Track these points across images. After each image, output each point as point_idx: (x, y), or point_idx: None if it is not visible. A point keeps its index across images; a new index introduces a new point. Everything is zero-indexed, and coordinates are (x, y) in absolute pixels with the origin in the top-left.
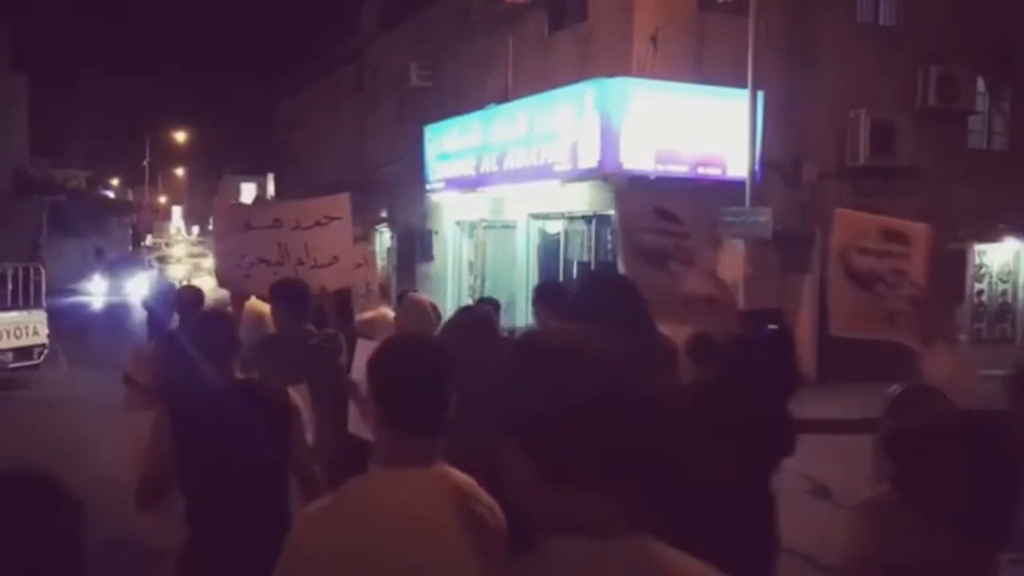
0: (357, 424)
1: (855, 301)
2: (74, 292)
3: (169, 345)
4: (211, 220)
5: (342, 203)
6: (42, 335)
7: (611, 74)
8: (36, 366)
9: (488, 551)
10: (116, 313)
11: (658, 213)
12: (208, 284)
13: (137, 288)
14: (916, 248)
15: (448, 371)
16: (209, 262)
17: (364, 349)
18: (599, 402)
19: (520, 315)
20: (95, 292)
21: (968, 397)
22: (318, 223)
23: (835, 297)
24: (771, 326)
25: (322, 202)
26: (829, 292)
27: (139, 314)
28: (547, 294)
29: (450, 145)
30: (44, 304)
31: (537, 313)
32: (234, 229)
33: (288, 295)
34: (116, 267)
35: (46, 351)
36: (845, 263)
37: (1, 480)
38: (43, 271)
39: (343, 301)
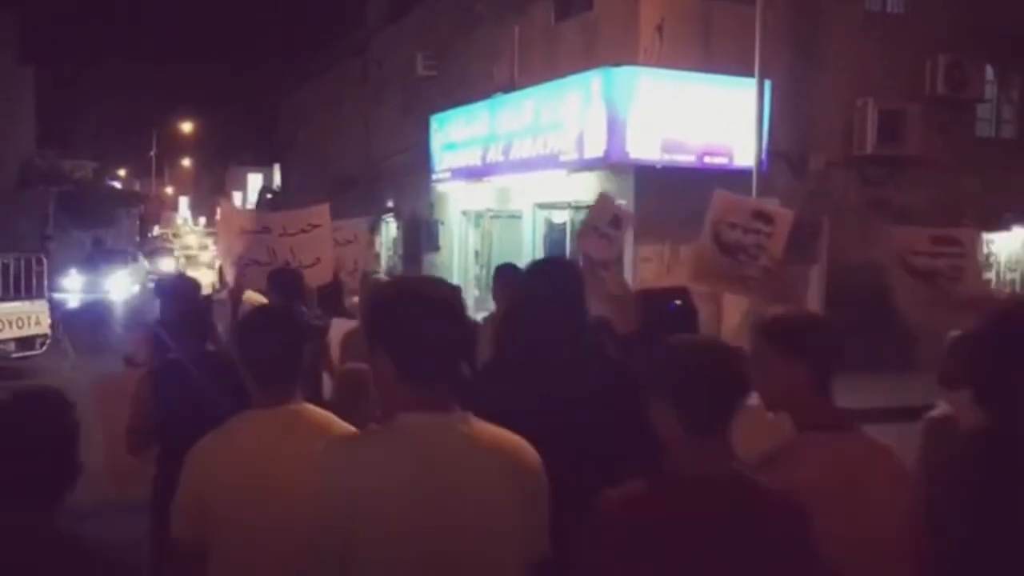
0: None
1: (716, 263)
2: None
3: (158, 329)
4: (217, 213)
5: (323, 212)
6: (44, 325)
7: (617, 63)
8: (40, 356)
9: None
10: (92, 313)
11: (755, 214)
12: (207, 278)
13: (119, 285)
14: (779, 228)
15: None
16: (207, 255)
17: (338, 325)
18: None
19: None
20: (70, 289)
21: None
22: (302, 231)
23: (697, 256)
24: (675, 302)
25: (305, 212)
26: (693, 251)
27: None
28: (501, 275)
29: (456, 135)
30: (46, 294)
31: (494, 291)
32: (231, 233)
33: (282, 282)
34: (96, 261)
35: (48, 341)
36: (715, 233)
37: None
38: (45, 261)
39: (330, 295)
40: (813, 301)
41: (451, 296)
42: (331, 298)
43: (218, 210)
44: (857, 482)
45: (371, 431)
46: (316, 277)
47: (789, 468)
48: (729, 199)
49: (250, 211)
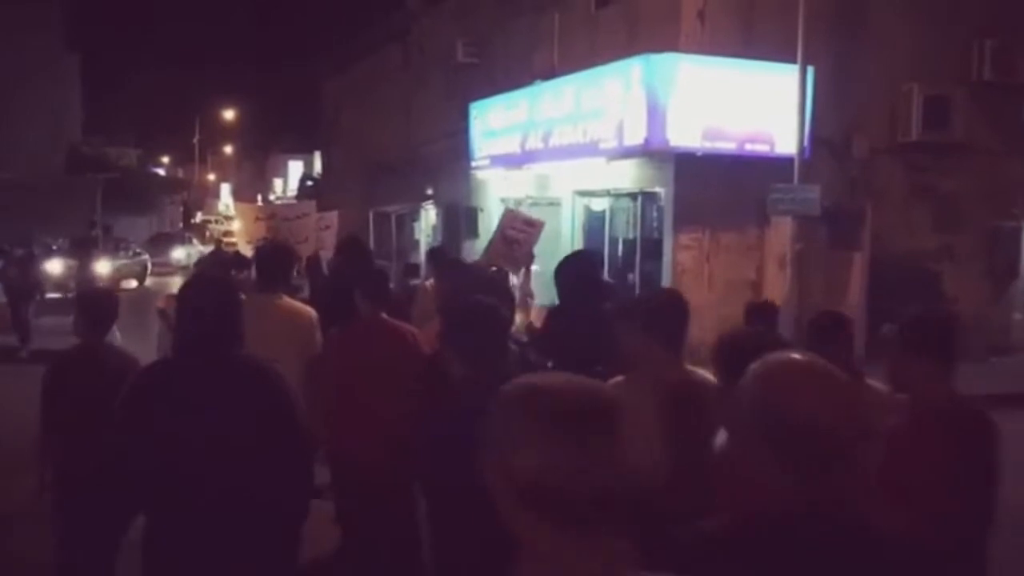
0: None
1: (504, 252)
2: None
3: None
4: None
5: (310, 206)
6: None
7: (658, 50)
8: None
9: None
10: None
11: (525, 223)
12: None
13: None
14: (535, 231)
15: None
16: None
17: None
18: None
19: None
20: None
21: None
22: (297, 217)
23: (494, 248)
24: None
25: (297, 205)
26: (489, 245)
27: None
28: (434, 255)
29: (496, 122)
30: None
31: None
32: (248, 221)
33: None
34: (78, 252)
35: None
36: (504, 234)
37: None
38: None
39: (312, 266)
40: (856, 289)
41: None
42: (313, 267)
43: (236, 207)
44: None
45: None
46: (304, 250)
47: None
48: (513, 214)
49: (258, 204)
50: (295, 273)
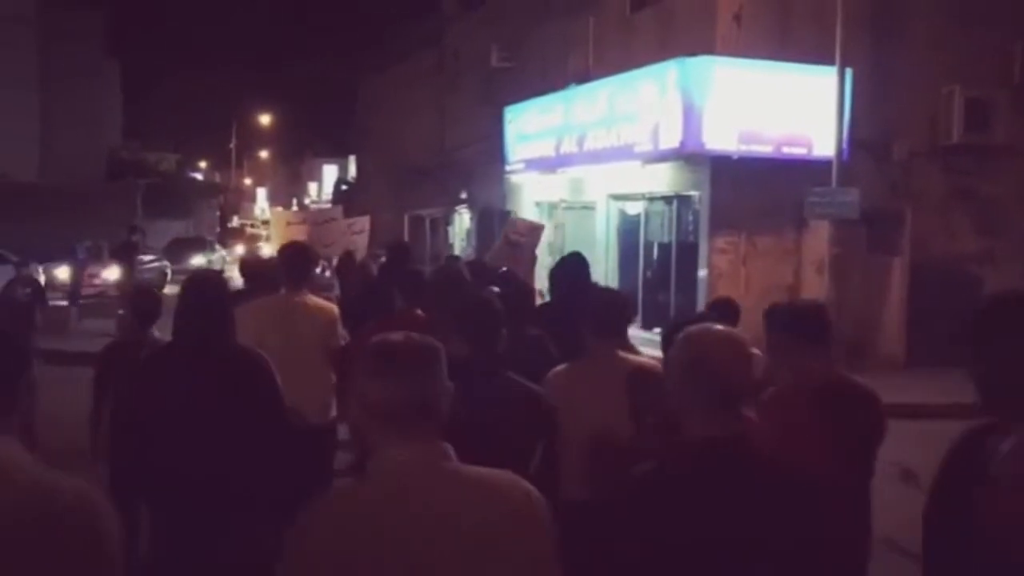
0: None
1: (508, 255)
2: None
3: None
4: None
5: (338, 211)
6: None
7: (694, 53)
8: None
9: None
10: None
11: (525, 227)
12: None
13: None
14: (535, 235)
15: None
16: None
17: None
18: None
19: None
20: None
21: None
22: (326, 222)
23: (499, 252)
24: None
25: (327, 210)
26: (494, 248)
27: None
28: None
29: (530, 126)
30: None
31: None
32: (281, 228)
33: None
34: (119, 256)
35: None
36: (507, 239)
37: None
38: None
39: (343, 266)
40: (896, 292)
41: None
42: (345, 268)
43: (270, 212)
44: None
45: None
46: (332, 253)
47: None
48: (514, 219)
49: (292, 211)
50: (326, 274)
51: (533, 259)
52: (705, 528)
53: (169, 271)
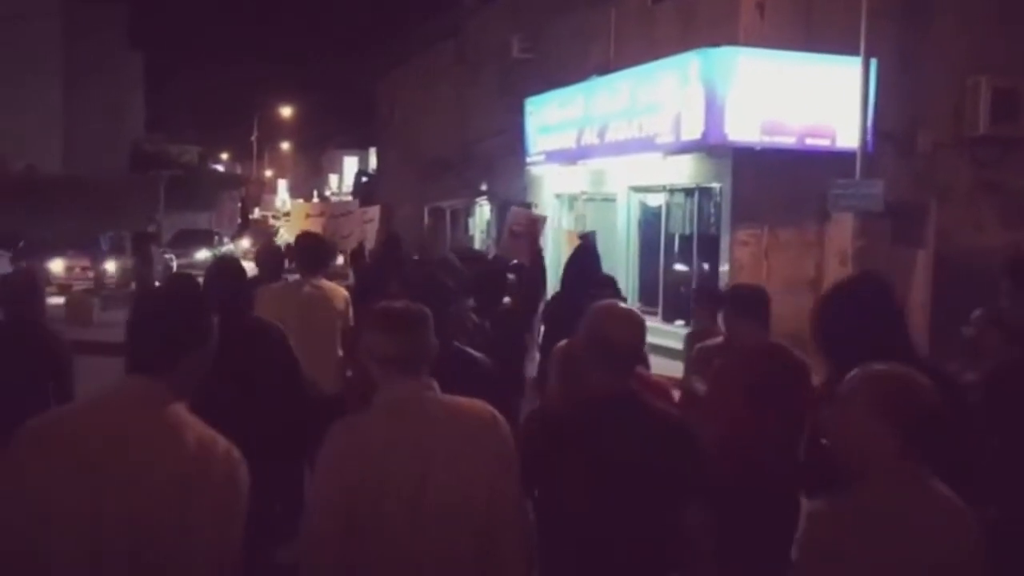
0: None
1: (512, 245)
2: None
3: None
4: (314, 195)
5: (354, 204)
6: None
7: (716, 43)
8: None
9: None
10: None
11: (527, 219)
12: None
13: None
14: (538, 226)
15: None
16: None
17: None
18: None
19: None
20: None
21: None
22: (343, 214)
23: (504, 243)
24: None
25: (343, 202)
26: (499, 240)
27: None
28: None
29: (551, 118)
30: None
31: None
32: (300, 219)
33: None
34: (138, 247)
35: None
36: (511, 230)
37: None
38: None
39: (357, 255)
40: (920, 285)
41: None
42: (357, 257)
43: (291, 204)
44: None
45: None
46: (348, 244)
47: None
48: (516, 211)
49: (311, 203)
50: (343, 263)
51: (537, 250)
52: (599, 453)
53: (175, 264)
